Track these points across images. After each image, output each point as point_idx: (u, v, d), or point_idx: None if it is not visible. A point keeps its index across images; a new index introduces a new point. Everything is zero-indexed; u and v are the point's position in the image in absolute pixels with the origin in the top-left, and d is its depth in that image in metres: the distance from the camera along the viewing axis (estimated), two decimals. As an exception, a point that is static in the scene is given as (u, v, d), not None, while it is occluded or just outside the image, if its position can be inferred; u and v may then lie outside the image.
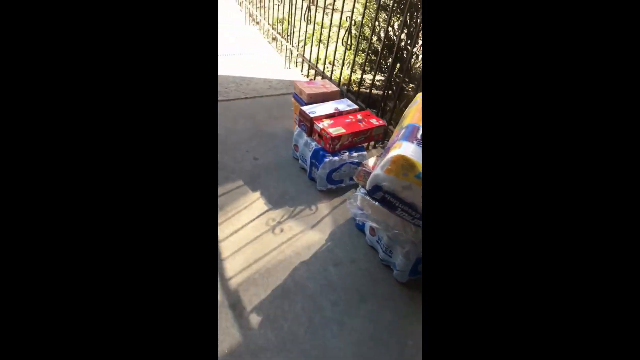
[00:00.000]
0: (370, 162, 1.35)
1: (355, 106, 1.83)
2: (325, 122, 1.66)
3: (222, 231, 1.41)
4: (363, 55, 2.60)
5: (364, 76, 2.93)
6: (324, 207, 1.60)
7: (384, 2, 2.31)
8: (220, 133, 1.99)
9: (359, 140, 1.72)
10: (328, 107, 1.77)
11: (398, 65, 2.52)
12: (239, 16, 3.96)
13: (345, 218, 1.55)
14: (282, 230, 1.45)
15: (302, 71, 2.83)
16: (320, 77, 2.57)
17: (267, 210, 1.53)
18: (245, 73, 2.72)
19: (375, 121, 1.74)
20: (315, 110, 1.73)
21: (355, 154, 1.66)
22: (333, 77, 2.55)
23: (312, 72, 2.76)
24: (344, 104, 1.83)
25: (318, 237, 1.44)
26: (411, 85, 2.54)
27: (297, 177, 1.75)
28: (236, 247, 1.36)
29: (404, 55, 2.77)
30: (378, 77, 2.68)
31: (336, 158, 1.61)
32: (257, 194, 1.61)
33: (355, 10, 2.39)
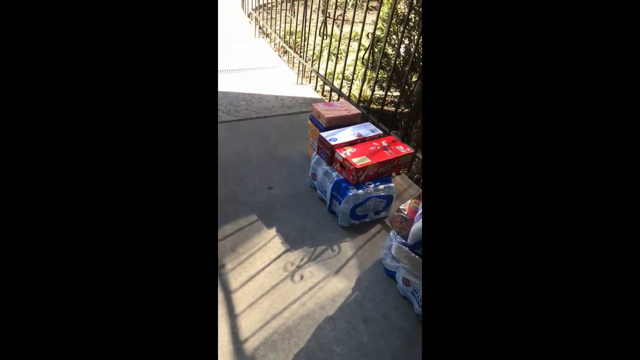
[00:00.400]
0: (407, 205, 1.17)
1: (379, 131, 1.67)
2: (348, 151, 1.50)
3: (235, 279, 1.25)
4: (383, 72, 2.45)
5: (382, 93, 2.78)
6: (347, 247, 1.43)
7: (404, 16, 2.16)
8: (230, 159, 1.83)
9: (385, 170, 1.55)
10: (350, 134, 1.61)
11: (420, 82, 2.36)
12: (249, 29, 3.84)
13: (373, 261, 1.38)
14: (302, 277, 1.28)
15: (315, 88, 2.68)
16: (337, 96, 2.41)
17: (284, 252, 1.37)
18: (255, 89, 2.58)
19: (402, 148, 1.58)
20: (337, 136, 1.57)
21: (381, 186, 1.49)
22: (350, 95, 2.40)
23: (327, 88, 2.61)
24: (367, 129, 1.66)
25: (343, 285, 1.27)
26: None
27: (316, 210, 1.59)
28: (251, 299, 1.19)
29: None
30: (397, 94, 2.52)
31: (361, 191, 1.44)
32: (273, 231, 1.45)
33: (372, 24, 2.25)
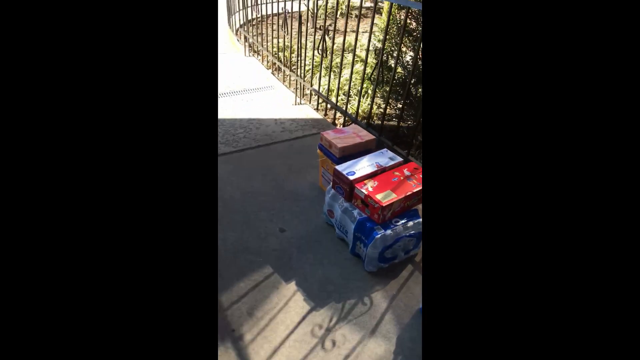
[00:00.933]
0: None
1: (399, 159, 1.50)
2: (369, 185, 1.33)
3: (257, 353, 1.06)
4: (386, 86, 2.30)
5: (389, 109, 2.63)
6: (379, 297, 1.25)
7: (404, 25, 2.01)
8: (234, 197, 1.66)
9: (412, 204, 1.39)
10: (368, 164, 1.44)
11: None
12: (238, 47, 3.68)
13: (411, 313, 1.20)
14: (334, 344, 1.10)
15: (317, 107, 2.51)
16: (341, 116, 2.25)
17: (309, 312, 1.19)
18: (252, 114, 2.41)
19: (427, 177, 1.41)
20: (354, 169, 1.40)
21: (410, 223, 1.32)
22: (350, 110, 2.24)
23: (328, 106, 2.45)
24: (385, 157, 1.50)
25: (383, 350, 1.09)
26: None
27: (337, 253, 1.41)
28: (279, 379, 1.01)
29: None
30: (399, 108, 2.37)
31: (389, 232, 1.27)
32: (292, 286, 1.27)
33: (373, 36, 2.10)
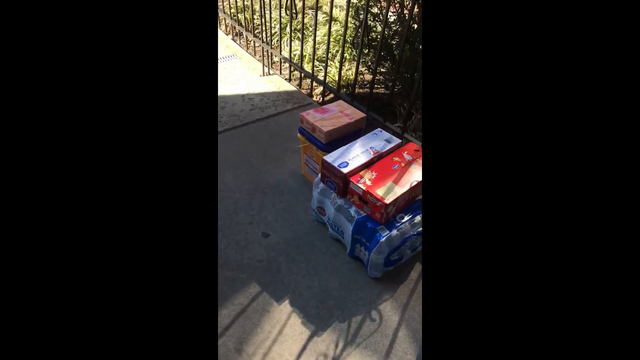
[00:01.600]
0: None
1: (396, 140, 1.28)
2: (367, 178, 1.11)
3: (253, 403, 0.87)
4: (367, 51, 2.02)
5: (365, 76, 2.36)
6: (389, 309, 1.08)
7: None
8: (204, 199, 1.39)
9: (417, 194, 1.19)
10: (362, 151, 1.21)
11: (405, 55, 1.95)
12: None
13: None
14: (345, 377, 0.93)
15: (289, 77, 2.20)
16: (328, 92, 1.97)
17: (309, 338, 1.00)
18: (215, 90, 2.07)
19: (432, 161, 1.21)
20: (346, 159, 1.16)
21: (417, 219, 1.13)
22: (328, 80, 1.96)
23: (300, 74, 2.15)
24: (381, 140, 1.27)
25: (402, 377, 0.93)
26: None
27: (333, 257, 1.21)
28: None
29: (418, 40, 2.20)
30: (383, 73, 2.12)
31: (395, 232, 1.07)
32: (286, 306, 1.07)
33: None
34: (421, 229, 1.13)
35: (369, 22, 1.96)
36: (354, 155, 1.19)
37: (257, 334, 1.00)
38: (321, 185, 1.23)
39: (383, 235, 1.07)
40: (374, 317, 1.05)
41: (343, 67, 1.90)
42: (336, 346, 0.98)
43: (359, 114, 1.37)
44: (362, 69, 2.24)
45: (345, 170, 1.12)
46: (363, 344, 0.99)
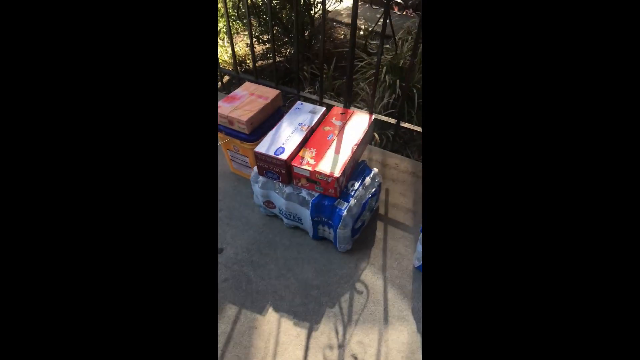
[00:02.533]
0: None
1: (320, 108, 1.22)
2: (308, 157, 1.05)
3: None
4: (256, 24, 1.86)
5: (256, 49, 2.20)
6: (370, 276, 1.08)
7: None
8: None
9: (359, 157, 1.17)
10: (292, 130, 1.13)
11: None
12: None
13: (409, 275, 1.07)
14: (356, 358, 0.91)
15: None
16: (220, 74, 1.77)
17: (308, 337, 0.95)
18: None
19: (362, 119, 1.19)
20: (280, 144, 1.08)
21: (367, 180, 1.12)
22: (219, 62, 1.79)
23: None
24: (305, 113, 1.20)
25: (406, 334, 0.95)
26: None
27: (299, 247, 1.16)
28: None
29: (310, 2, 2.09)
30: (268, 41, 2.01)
31: (353, 202, 1.05)
32: (272, 315, 1.00)
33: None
34: (374, 189, 1.13)
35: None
36: (286, 137, 1.10)
37: (254, 355, 0.92)
38: (260, 178, 1.14)
39: (343, 209, 1.04)
40: (360, 289, 1.05)
41: (237, 42, 1.73)
42: (337, 332, 0.96)
43: (272, 92, 1.27)
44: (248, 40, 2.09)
45: (284, 157, 1.04)
46: (360, 320, 0.98)
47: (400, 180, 1.36)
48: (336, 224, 1.05)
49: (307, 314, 0.99)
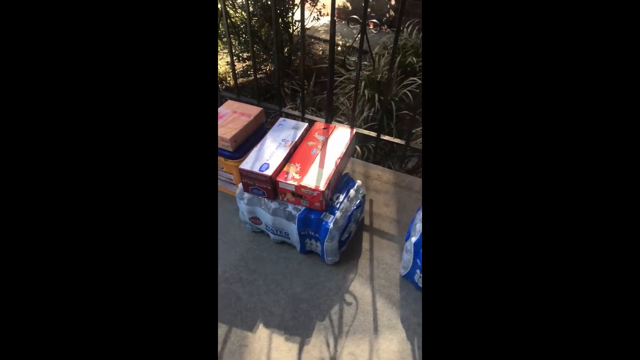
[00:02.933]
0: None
1: (303, 124, 1.25)
2: (293, 172, 1.07)
3: None
4: (236, 42, 1.88)
5: (236, 66, 2.23)
6: (359, 286, 1.09)
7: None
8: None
9: (342, 169, 1.20)
10: (275, 147, 1.15)
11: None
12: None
13: (396, 284, 1.09)
14: (349, 370, 0.92)
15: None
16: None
17: (300, 352, 0.95)
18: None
19: (344, 134, 1.22)
20: (265, 160, 1.09)
21: (352, 192, 1.14)
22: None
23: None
24: (288, 129, 1.22)
25: (397, 342, 0.97)
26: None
27: (287, 261, 1.16)
28: None
29: (288, 17, 2.14)
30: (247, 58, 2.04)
31: (338, 214, 1.07)
32: (263, 332, 0.99)
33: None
34: (359, 200, 1.15)
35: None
36: (270, 153, 1.12)
37: (246, 375, 0.91)
38: (246, 195, 1.15)
39: (329, 221, 1.06)
40: (349, 301, 1.06)
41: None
42: (328, 345, 0.96)
43: (254, 109, 1.29)
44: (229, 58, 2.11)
45: (269, 173, 1.05)
46: (351, 331, 0.99)
47: (384, 191, 1.39)
48: (323, 237, 1.07)
49: (297, 329, 1.00)
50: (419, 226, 1.06)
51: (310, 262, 1.16)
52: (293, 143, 1.16)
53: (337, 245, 1.09)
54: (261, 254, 1.18)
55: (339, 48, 2.55)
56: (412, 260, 1.03)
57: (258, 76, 2.16)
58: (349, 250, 1.18)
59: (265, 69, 2.34)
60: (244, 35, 2.07)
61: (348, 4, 3.38)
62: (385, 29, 2.94)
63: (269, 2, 1.85)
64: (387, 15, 3.04)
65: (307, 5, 2.23)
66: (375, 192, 1.39)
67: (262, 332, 0.99)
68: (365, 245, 1.21)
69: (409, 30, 2.54)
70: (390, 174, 1.46)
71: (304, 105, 1.53)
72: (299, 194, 1.06)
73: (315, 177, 1.06)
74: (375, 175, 1.46)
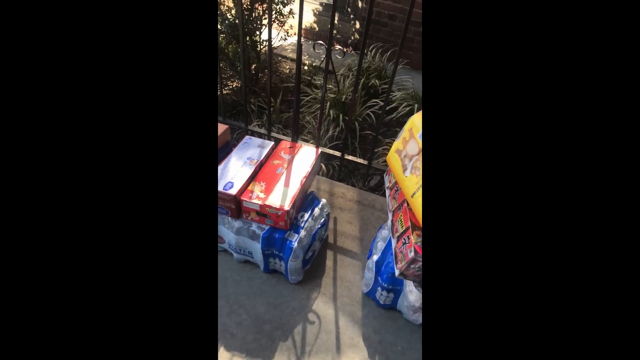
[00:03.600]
0: (413, 245, 0.89)
1: (269, 143, 1.26)
2: (258, 191, 1.07)
3: None
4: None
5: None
6: (322, 305, 1.10)
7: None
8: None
9: (308, 188, 1.22)
10: (241, 165, 1.15)
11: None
12: None
13: (358, 302, 1.11)
14: (311, 392, 0.92)
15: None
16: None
17: (262, 374, 0.94)
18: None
19: (309, 153, 1.25)
20: (229, 180, 1.09)
21: (317, 211, 1.16)
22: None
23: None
24: (254, 147, 1.23)
25: (359, 361, 0.98)
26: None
27: (250, 281, 1.15)
28: None
29: (256, 35, 2.16)
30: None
31: (303, 233, 1.08)
32: (224, 356, 0.97)
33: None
34: (323, 219, 1.17)
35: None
36: (235, 172, 1.12)
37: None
38: (209, 213, 1.13)
39: (294, 240, 1.06)
40: (312, 320, 1.06)
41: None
42: (290, 367, 0.95)
43: (220, 127, 1.28)
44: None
45: (233, 192, 1.05)
46: (313, 350, 0.99)
47: (347, 209, 1.42)
48: (287, 256, 1.07)
49: (260, 351, 0.98)
50: (380, 244, 1.09)
51: (274, 282, 1.15)
52: (258, 162, 1.17)
53: (301, 264, 1.10)
54: (224, 273, 1.16)
55: (306, 68, 2.61)
56: (373, 278, 1.06)
57: (225, 92, 2.15)
58: (313, 268, 1.19)
59: (232, 85, 2.33)
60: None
61: (315, 25, 3.47)
62: (350, 51, 3.04)
63: (236, 21, 1.87)
64: (352, 37, 3.16)
65: (275, 25, 2.27)
66: (340, 210, 1.41)
67: (223, 356, 0.97)
68: (329, 263, 1.22)
69: (372, 53, 2.66)
70: (354, 192, 1.50)
71: (270, 124, 1.54)
72: (264, 213, 1.06)
73: (281, 196, 1.07)
74: (339, 193, 1.49)
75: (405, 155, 0.96)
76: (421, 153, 0.90)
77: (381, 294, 1.06)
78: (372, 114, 2.15)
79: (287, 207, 1.03)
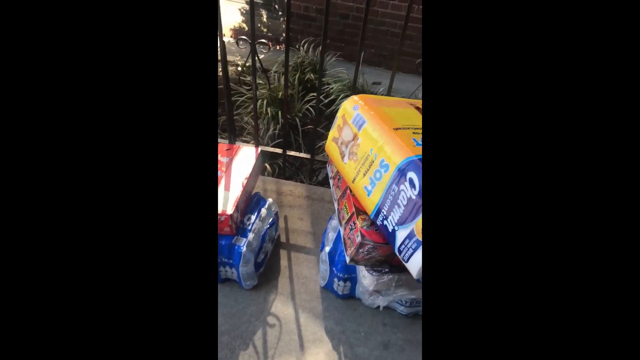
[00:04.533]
0: (359, 229, 0.88)
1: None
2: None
3: None
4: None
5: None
6: (280, 306, 1.07)
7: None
8: None
9: (251, 189, 1.18)
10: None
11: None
12: None
13: (317, 297, 1.10)
14: (279, 396, 0.88)
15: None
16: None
17: (225, 388, 0.89)
18: None
19: (249, 152, 1.21)
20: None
21: (263, 212, 1.13)
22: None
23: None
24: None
25: (323, 355, 0.96)
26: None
27: (202, 294, 1.08)
28: None
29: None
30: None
31: (251, 236, 1.04)
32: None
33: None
34: (271, 219, 1.14)
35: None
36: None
37: None
38: (147, 230, 1.05)
39: (242, 245, 1.02)
40: (272, 323, 1.03)
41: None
42: (255, 375, 0.92)
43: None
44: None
45: (169, 203, 0.98)
46: (277, 353, 0.96)
47: (297, 205, 1.40)
48: (237, 262, 1.03)
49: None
50: (331, 235, 1.09)
51: (227, 291, 1.10)
52: (194, 168, 1.10)
53: (253, 269, 1.06)
54: (172, 291, 1.08)
55: (238, 68, 2.54)
56: (328, 270, 1.05)
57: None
58: (267, 270, 1.16)
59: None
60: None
61: (245, 25, 3.40)
62: (281, 48, 3.02)
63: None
64: (283, 35, 3.14)
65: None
66: (289, 208, 1.39)
67: (180, 378, 0.90)
68: (284, 262, 1.19)
69: (305, 47, 2.65)
70: (302, 188, 1.48)
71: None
72: (206, 221, 1.00)
73: (222, 201, 1.02)
74: (287, 191, 1.46)
75: (342, 142, 0.95)
76: (356, 138, 0.90)
77: (338, 285, 1.05)
78: (311, 109, 2.15)
79: (229, 211, 0.99)
